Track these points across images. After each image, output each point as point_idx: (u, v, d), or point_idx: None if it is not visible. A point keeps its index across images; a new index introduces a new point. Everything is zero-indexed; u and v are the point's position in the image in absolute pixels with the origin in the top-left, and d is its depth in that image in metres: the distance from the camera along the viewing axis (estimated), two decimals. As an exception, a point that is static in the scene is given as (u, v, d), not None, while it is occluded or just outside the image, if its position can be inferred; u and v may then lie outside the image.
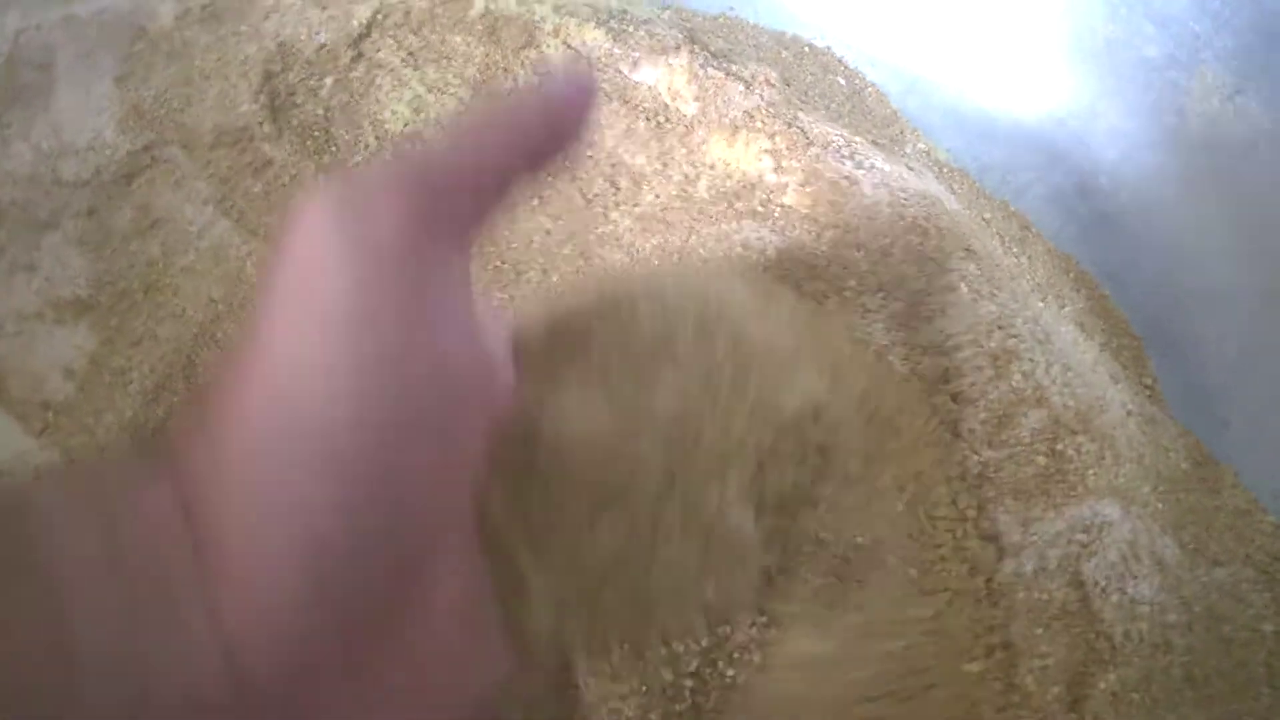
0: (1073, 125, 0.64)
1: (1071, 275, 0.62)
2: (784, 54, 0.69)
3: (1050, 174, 0.65)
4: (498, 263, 0.53)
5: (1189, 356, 0.60)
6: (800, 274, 0.51)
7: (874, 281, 0.51)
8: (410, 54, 0.58)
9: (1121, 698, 0.39)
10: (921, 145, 0.67)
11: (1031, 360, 0.46)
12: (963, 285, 0.49)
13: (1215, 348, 0.59)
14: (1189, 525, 0.49)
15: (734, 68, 0.58)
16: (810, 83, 0.67)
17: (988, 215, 0.62)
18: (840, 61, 0.70)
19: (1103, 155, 0.63)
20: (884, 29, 0.69)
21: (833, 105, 0.65)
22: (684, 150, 0.58)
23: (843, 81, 0.68)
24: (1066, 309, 0.57)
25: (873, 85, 0.69)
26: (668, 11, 0.69)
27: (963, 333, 0.47)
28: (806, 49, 0.70)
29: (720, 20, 0.70)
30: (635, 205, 0.55)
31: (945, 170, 0.65)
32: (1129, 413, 0.53)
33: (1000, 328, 0.47)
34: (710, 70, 0.57)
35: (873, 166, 0.54)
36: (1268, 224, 0.57)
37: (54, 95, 0.55)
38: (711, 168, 0.57)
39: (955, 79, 0.68)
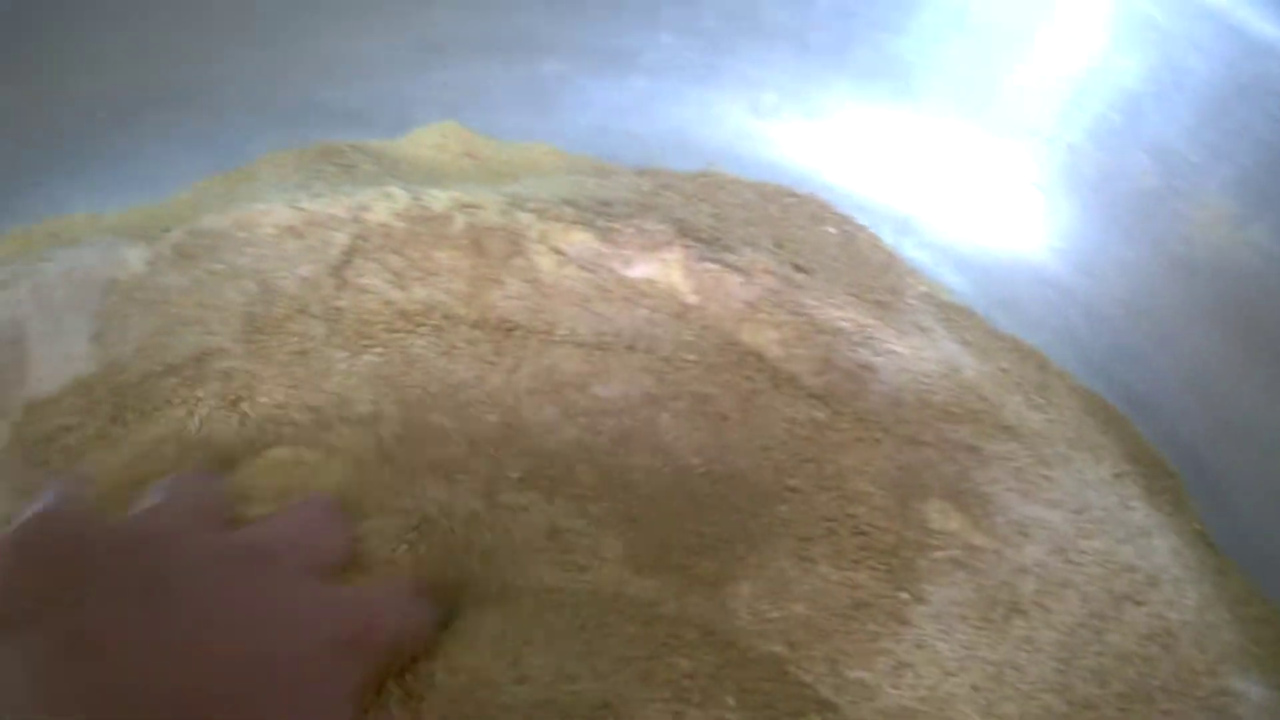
0: (1076, 257, 0.63)
1: (1098, 414, 0.60)
2: (770, 209, 0.67)
3: (1060, 307, 0.64)
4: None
5: (1231, 491, 0.58)
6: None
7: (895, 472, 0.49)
8: (396, 274, 0.55)
9: None
10: (923, 288, 0.65)
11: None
12: (1012, 479, 0.47)
13: (1256, 481, 0.57)
14: None
15: (730, 257, 0.56)
16: (801, 238, 0.65)
17: (1005, 365, 0.60)
18: (828, 207, 0.68)
19: (1112, 286, 0.62)
20: (869, 170, 0.68)
21: (827, 261, 0.64)
22: (690, 334, 0.55)
23: (833, 230, 0.67)
24: (1104, 463, 0.55)
25: (865, 230, 0.67)
26: (644, 177, 0.67)
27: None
28: (792, 200, 0.68)
29: (700, 180, 0.68)
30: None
31: (952, 313, 0.64)
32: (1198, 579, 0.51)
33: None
34: (706, 264, 0.55)
35: (889, 352, 0.52)
36: (1290, 353, 0.55)
37: (28, 369, 0.52)
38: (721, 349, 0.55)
39: (948, 216, 0.67)
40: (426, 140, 0.67)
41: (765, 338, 0.54)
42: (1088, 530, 0.48)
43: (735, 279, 0.55)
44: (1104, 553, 0.47)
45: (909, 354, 0.53)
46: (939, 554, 0.47)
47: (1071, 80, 0.61)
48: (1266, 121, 0.55)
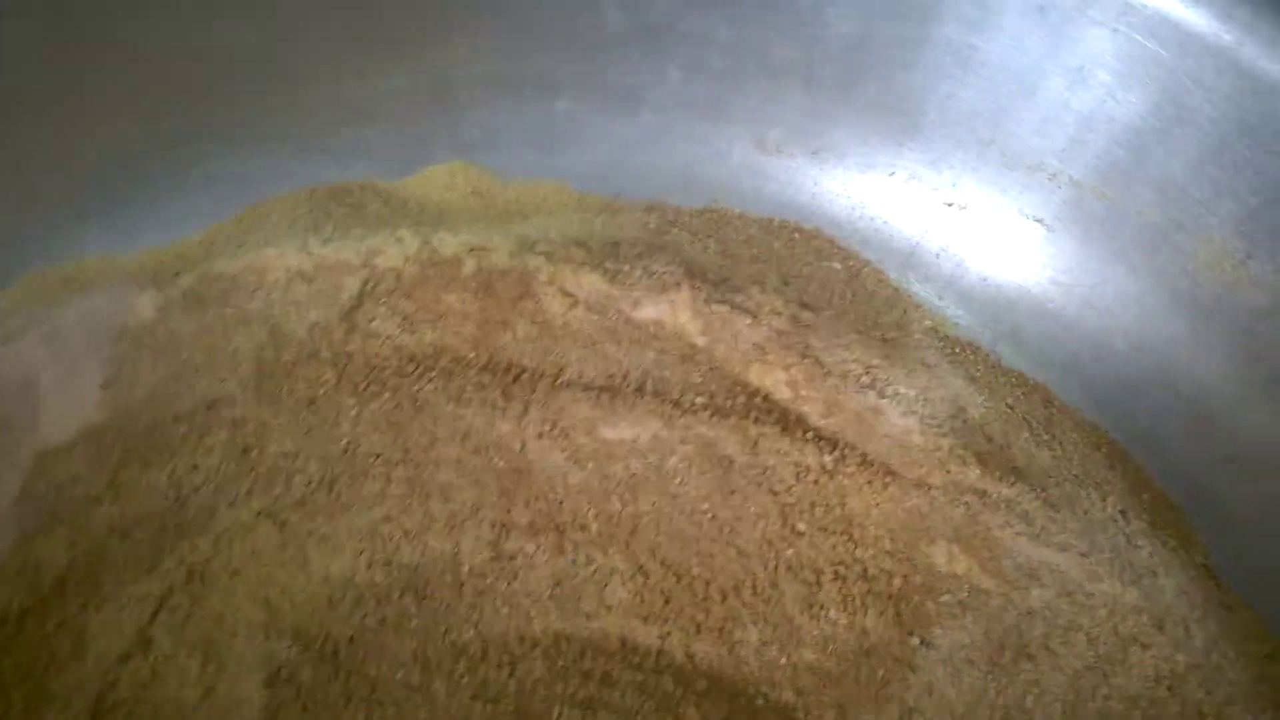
0: (1080, 291, 0.63)
1: (1103, 449, 0.61)
2: (776, 245, 0.68)
3: (1065, 341, 0.64)
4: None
5: (1236, 525, 0.58)
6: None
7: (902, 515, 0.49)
8: (405, 318, 0.56)
9: None
10: (928, 322, 0.65)
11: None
12: (1020, 523, 0.47)
13: (1260, 515, 0.57)
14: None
15: (738, 298, 0.56)
16: (808, 274, 0.66)
17: (1011, 401, 0.60)
18: (833, 242, 0.68)
19: (1116, 320, 0.62)
20: (874, 205, 0.68)
21: (833, 298, 0.64)
22: (698, 376, 0.56)
23: (838, 266, 0.67)
24: (1109, 499, 0.56)
25: (870, 264, 0.68)
26: (652, 214, 0.68)
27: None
28: (797, 235, 0.68)
29: (706, 215, 0.68)
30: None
31: (957, 348, 0.64)
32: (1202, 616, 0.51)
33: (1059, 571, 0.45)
34: (715, 306, 0.55)
35: (896, 394, 0.53)
36: (1299, 390, 0.55)
37: (39, 418, 0.53)
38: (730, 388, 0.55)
39: (953, 250, 0.67)
40: (435, 180, 0.67)
41: (774, 379, 0.54)
42: (1095, 573, 0.48)
43: (743, 320, 0.55)
44: (1111, 596, 0.47)
45: (915, 394, 0.53)
46: (947, 598, 0.48)
47: (1076, 116, 0.61)
48: (1270, 159, 0.55)
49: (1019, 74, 0.61)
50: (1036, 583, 0.48)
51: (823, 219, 0.69)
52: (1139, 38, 0.57)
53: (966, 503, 0.50)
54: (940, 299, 0.66)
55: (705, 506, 0.50)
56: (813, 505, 0.50)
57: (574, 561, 0.49)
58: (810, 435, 0.53)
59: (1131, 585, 0.47)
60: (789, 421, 0.53)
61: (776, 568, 0.49)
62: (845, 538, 0.49)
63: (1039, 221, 0.64)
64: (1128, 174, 0.60)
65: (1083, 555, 0.48)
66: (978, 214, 0.65)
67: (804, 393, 0.54)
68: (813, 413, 0.54)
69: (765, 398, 0.54)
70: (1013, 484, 0.50)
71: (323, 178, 0.65)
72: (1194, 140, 0.57)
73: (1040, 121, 0.62)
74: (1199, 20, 0.55)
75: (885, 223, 0.68)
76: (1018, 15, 0.59)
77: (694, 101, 0.68)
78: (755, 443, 0.52)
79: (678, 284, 0.56)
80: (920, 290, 0.67)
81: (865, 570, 0.49)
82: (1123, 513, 0.56)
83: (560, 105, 0.68)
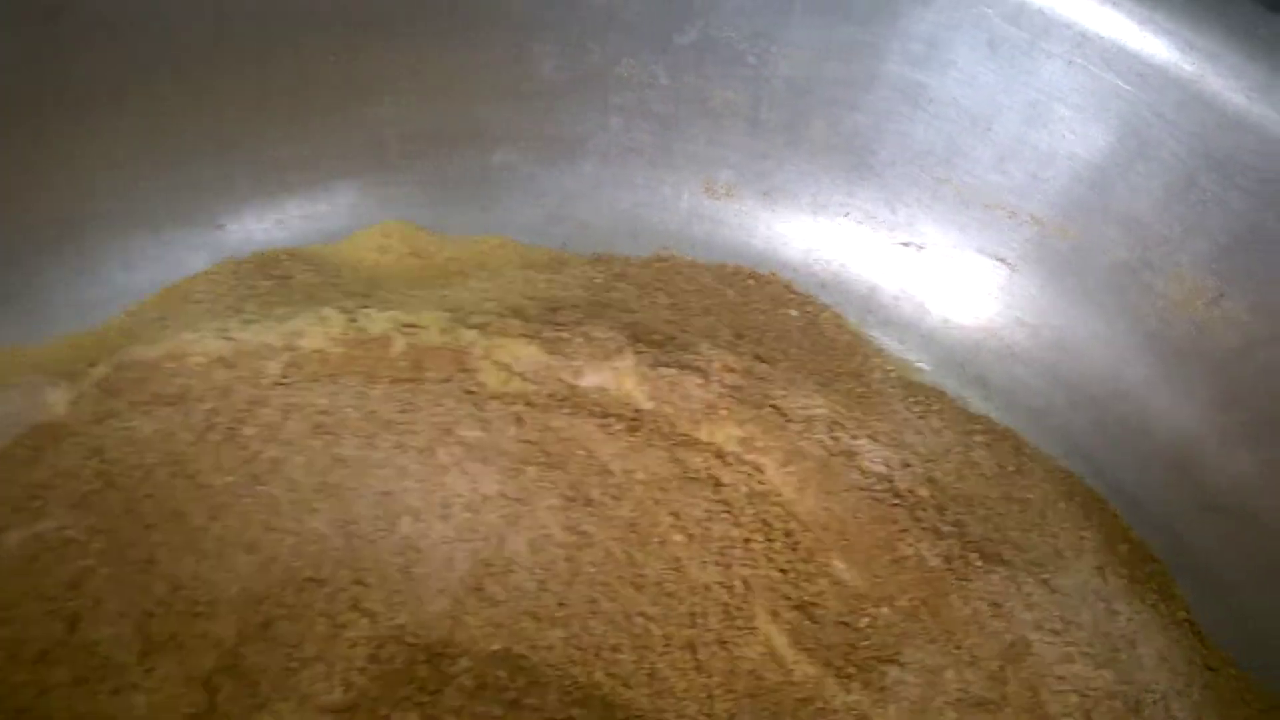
0: (1047, 333, 0.60)
1: (1077, 499, 0.58)
2: (729, 293, 0.65)
3: (1033, 384, 0.61)
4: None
5: (1216, 572, 0.55)
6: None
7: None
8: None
9: None
10: (890, 369, 0.63)
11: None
12: (988, 595, 0.44)
13: (1241, 561, 0.54)
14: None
15: (687, 357, 0.53)
16: (763, 324, 0.63)
17: (980, 453, 0.57)
18: (789, 288, 0.65)
19: (1086, 362, 0.59)
20: (829, 248, 0.65)
21: (790, 348, 0.61)
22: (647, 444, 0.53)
23: (795, 313, 0.64)
24: (1085, 556, 0.53)
25: (827, 310, 0.65)
26: (598, 267, 0.65)
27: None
28: (751, 281, 0.65)
29: (655, 265, 0.65)
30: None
31: (921, 394, 0.61)
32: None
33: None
34: (662, 369, 0.52)
35: (865, 442, 0.50)
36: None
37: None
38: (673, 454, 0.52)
39: (912, 292, 0.64)
40: (369, 242, 0.64)
41: (725, 434, 0.51)
42: (1068, 654, 0.45)
43: (693, 380, 0.52)
44: (1083, 679, 0.44)
45: (884, 444, 0.50)
46: (895, 671, 0.45)
47: (1034, 152, 0.58)
48: (1239, 194, 0.52)
49: (972, 110, 0.58)
50: (1008, 662, 0.45)
51: (777, 263, 0.66)
52: (1096, 70, 0.54)
53: (931, 582, 0.47)
54: (902, 343, 0.63)
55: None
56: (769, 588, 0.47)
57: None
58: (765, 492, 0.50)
59: (1105, 667, 0.44)
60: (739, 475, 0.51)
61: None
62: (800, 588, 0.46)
63: (1001, 261, 0.61)
64: (1091, 211, 0.57)
65: (1055, 634, 0.45)
66: (936, 254, 0.63)
67: (760, 444, 0.51)
68: (770, 463, 0.50)
69: (717, 454, 0.51)
70: (978, 561, 0.47)
71: (248, 247, 0.62)
72: (1159, 176, 0.54)
73: (997, 159, 0.59)
74: (1158, 51, 0.53)
75: (842, 265, 0.65)
76: (967, 50, 0.56)
77: (637, 148, 0.65)
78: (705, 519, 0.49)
79: (620, 349, 0.53)
80: (880, 335, 0.64)
81: (818, 629, 0.45)
82: (1099, 569, 0.53)
83: (497, 158, 0.65)
